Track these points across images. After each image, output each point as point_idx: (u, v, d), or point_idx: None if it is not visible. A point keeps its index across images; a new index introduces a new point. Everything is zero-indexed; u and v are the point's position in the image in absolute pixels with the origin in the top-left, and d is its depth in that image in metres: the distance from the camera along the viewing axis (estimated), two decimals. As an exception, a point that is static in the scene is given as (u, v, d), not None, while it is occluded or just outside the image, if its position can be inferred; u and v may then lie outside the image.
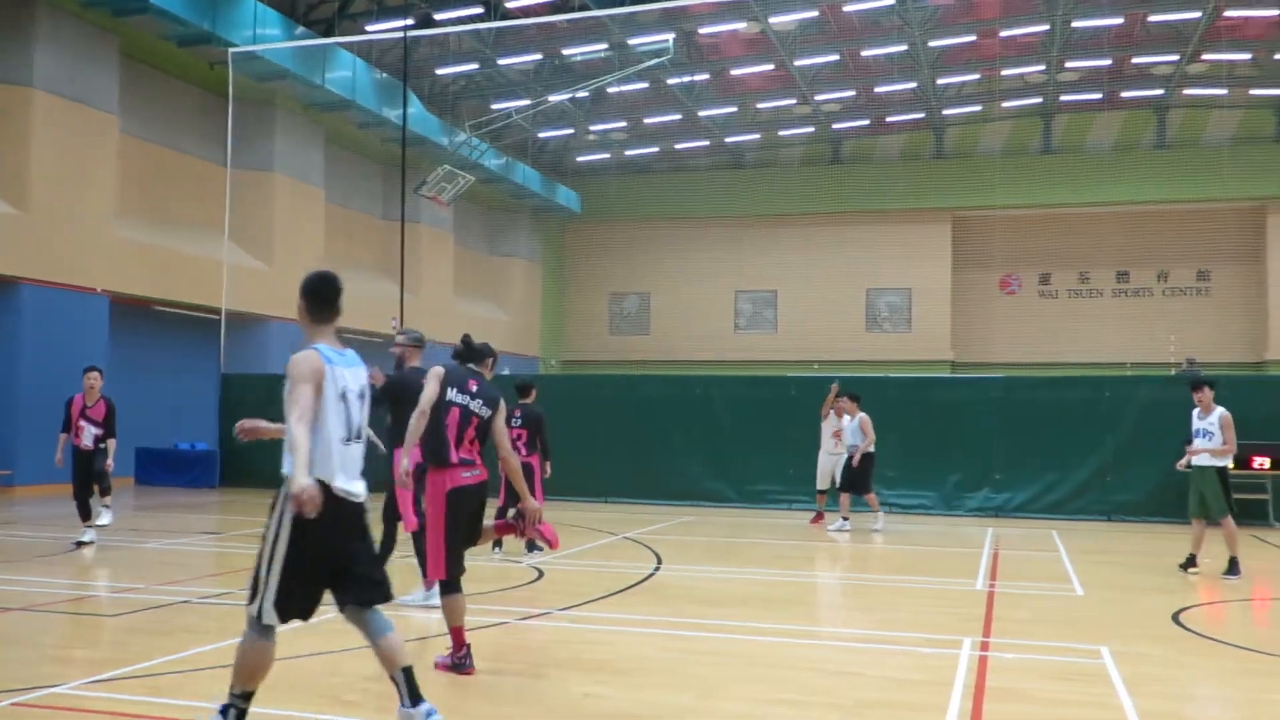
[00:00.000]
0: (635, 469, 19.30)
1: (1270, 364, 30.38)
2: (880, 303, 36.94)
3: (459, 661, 6.47)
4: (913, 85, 32.77)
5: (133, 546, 12.63)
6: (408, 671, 5.00)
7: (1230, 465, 11.48)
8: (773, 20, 27.29)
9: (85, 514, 12.39)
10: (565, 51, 29.26)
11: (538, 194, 35.49)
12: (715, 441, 19.17)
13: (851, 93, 33.50)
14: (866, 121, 36.29)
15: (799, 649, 7.76)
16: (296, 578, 4.74)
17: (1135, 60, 31.30)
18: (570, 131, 35.86)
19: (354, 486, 4.84)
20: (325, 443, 4.72)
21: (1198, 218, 34.57)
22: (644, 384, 21.54)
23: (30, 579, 10.05)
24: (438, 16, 26.37)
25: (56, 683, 6.08)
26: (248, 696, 4.85)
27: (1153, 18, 27.91)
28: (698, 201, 38.09)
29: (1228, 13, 27.08)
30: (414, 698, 4.99)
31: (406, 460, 7.29)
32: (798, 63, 30.08)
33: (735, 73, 31.56)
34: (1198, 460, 11.30)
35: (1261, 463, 16.57)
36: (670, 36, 25.76)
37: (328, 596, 4.94)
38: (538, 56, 29.75)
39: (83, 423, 12.36)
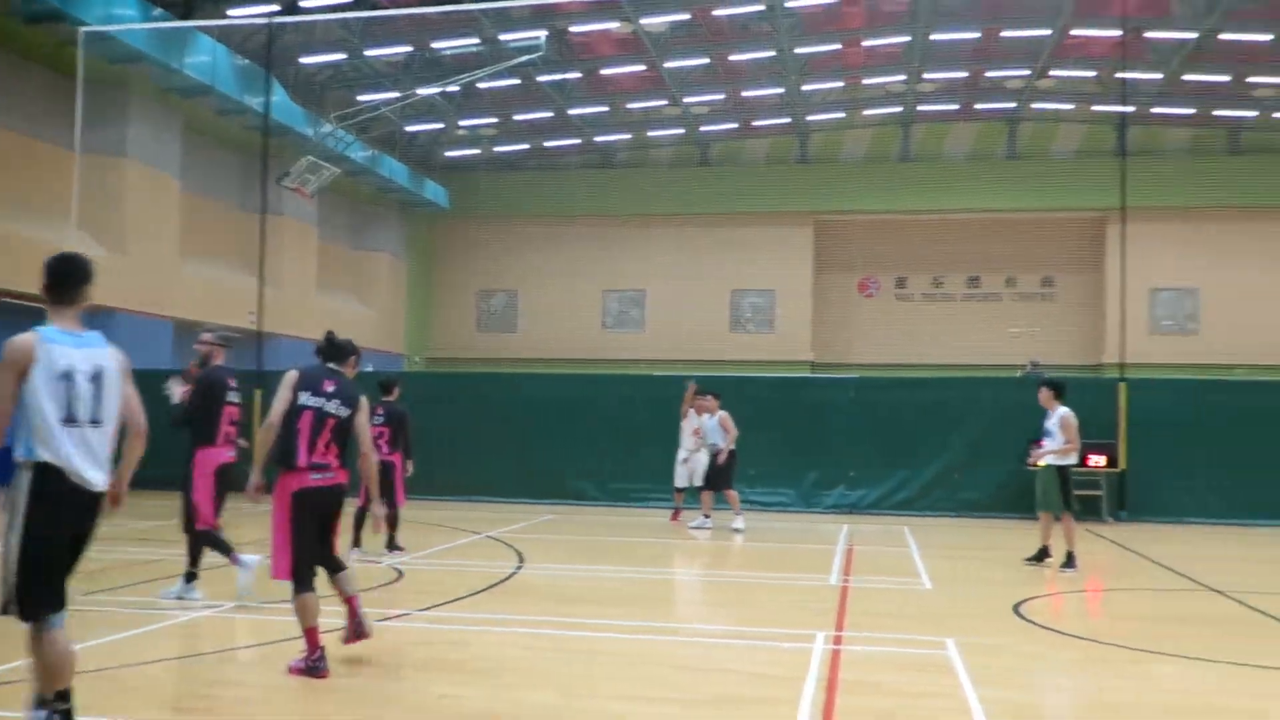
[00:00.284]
0: (500, 467, 19.20)
1: (1107, 366, 31.95)
2: (744, 303, 37.55)
3: (313, 665, 6.36)
4: (779, 91, 33.41)
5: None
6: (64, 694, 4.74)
7: (1073, 463, 12.04)
8: (644, 21, 27.49)
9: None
10: (435, 45, 28.88)
11: (405, 188, 34.96)
12: (581, 440, 19.21)
13: (720, 96, 33.98)
14: (734, 125, 36.84)
15: (659, 645, 7.86)
16: (36, 570, 4.60)
17: (989, 74, 32.54)
18: (439, 126, 35.44)
19: (90, 474, 4.70)
20: (44, 425, 4.60)
21: (1044, 226, 36.13)
22: (510, 382, 21.47)
23: None
24: (304, 4, 25.72)
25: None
26: (62, 696, 4.69)
27: (1006, 33, 29.06)
28: (567, 200, 38.07)
29: (1074, 31, 28.39)
30: (42, 706, 4.71)
31: (255, 475, 7.05)
32: (668, 64, 30.36)
33: (606, 72, 31.66)
34: (1048, 458, 11.82)
35: (1097, 461, 17.42)
36: (542, 34, 25.67)
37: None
38: (407, 49, 29.28)
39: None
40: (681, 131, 37.06)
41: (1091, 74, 31.66)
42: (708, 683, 6.56)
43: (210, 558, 8.96)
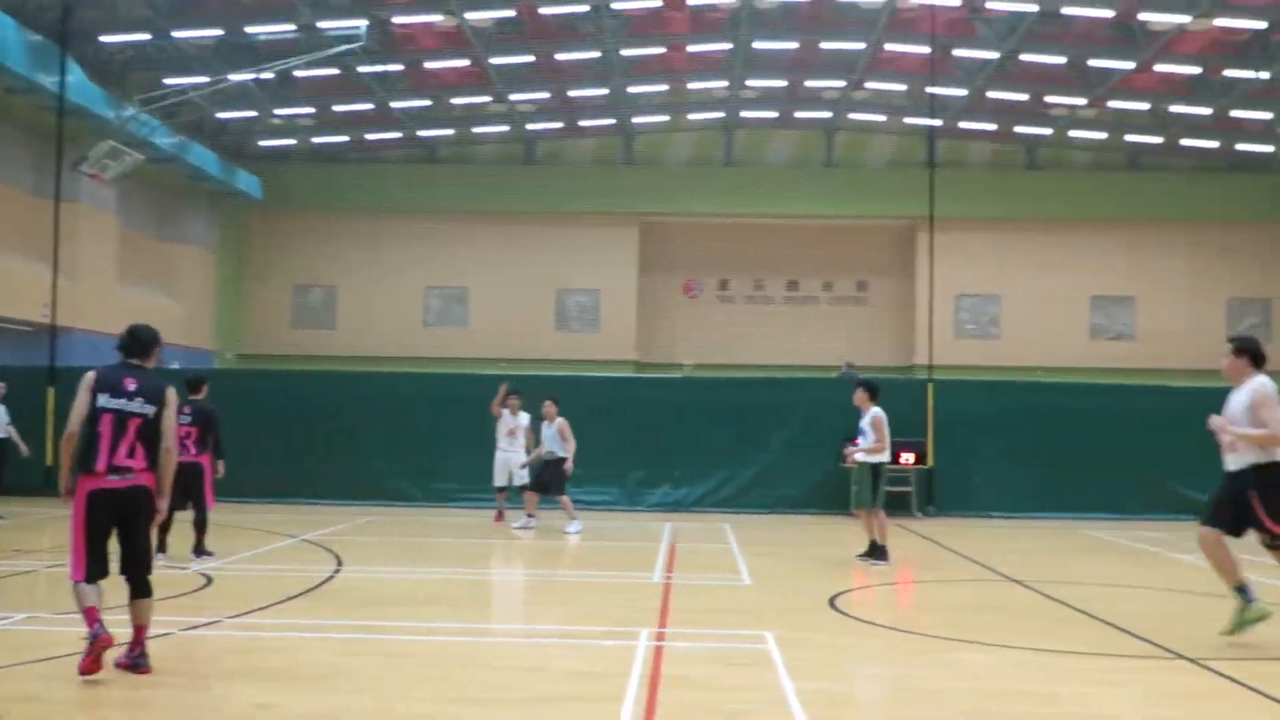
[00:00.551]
0: (317, 468, 18.62)
1: (917, 368, 33.37)
2: (570, 303, 37.59)
3: (134, 660, 6.27)
4: (605, 92, 33.57)
5: None
6: None
7: (885, 461, 12.51)
8: (469, 16, 27.12)
9: None
10: (249, 29, 27.74)
11: (215, 177, 33.44)
12: (401, 439, 18.84)
13: (546, 94, 33.88)
14: (560, 124, 36.81)
15: (481, 647, 7.77)
16: None
17: (808, 83, 33.54)
18: (253, 114, 34.07)
19: None
20: None
21: (859, 233, 37.47)
22: (327, 380, 20.88)
23: None
24: (104, -21, 24.34)
25: None
26: None
27: (824, 45, 30.00)
28: (389, 194, 37.25)
29: (887, 46, 29.55)
30: None
31: (63, 481, 6.68)
32: (493, 60, 30.08)
33: (430, 66, 31.12)
34: (859, 456, 12.25)
35: (906, 458, 18.18)
36: (363, 23, 25.02)
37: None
38: (218, 32, 28.02)
39: None
40: (507, 129, 36.79)
41: (903, 88, 33.03)
42: (531, 682, 6.51)
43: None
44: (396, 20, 27.61)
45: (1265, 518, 7.50)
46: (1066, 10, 25.96)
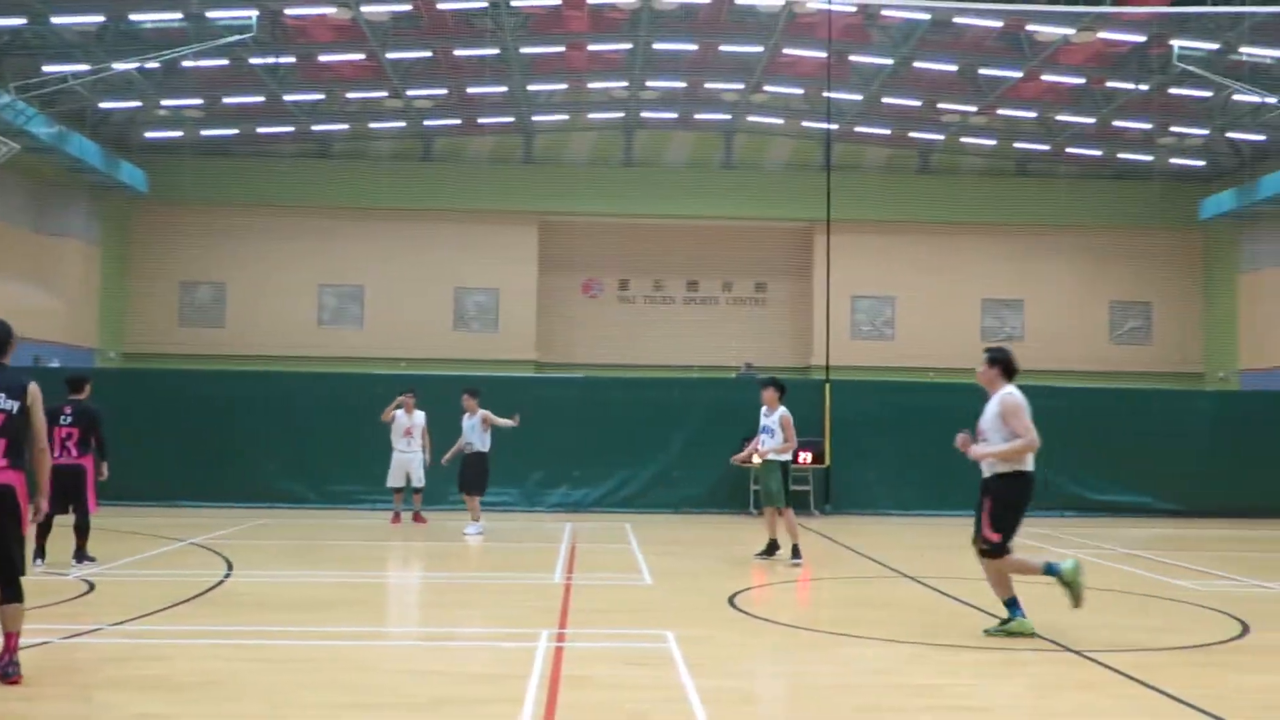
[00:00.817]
0: (206, 470, 18.06)
1: (814, 368, 33.83)
2: (468, 302, 37.22)
3: (3, 670, 5.96)
4: (504, 89, 33.32)
5: None
6: None
7: (792, 460, 12.62)
8: (364, 9, 26.63)
9: None
10: (134, 17, 26.81)
11: (97, 169, 32.25)
12: (294, 440, 18.39)
13: (444, 91, 33.49)
14: (458, 121, 36.43)
15: (376, 651, 7.61)
16: None
17: (707, 85, 33.78)
18: (137, 105, 32.95)
19: None
20: None
21: (757, 234, 37.87)
22: (216, 379, 20.30)
23: None
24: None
25: None
26: None
27: (723, 48, 30.26)
28: (281, 189, 36.42)
29: (785, 50, 29.94)
30: None
31: None
32: (389, 55, 29.62)
33: (324, 59, 30.50)
34: (772, 455, 12.29)
35: (805, 457, 18.38)
36: (254, 14, 24.39)
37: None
38: (100, 19, 27.02)
39: None
40: (403, 125, 36.27)
41: (800, 91, 33.48)
42: (428, 686, 6.39)
43: None
44: (289, 11, 26.97)
45: (988, 523, 7.96)
46: (959, 20, 26.66)
